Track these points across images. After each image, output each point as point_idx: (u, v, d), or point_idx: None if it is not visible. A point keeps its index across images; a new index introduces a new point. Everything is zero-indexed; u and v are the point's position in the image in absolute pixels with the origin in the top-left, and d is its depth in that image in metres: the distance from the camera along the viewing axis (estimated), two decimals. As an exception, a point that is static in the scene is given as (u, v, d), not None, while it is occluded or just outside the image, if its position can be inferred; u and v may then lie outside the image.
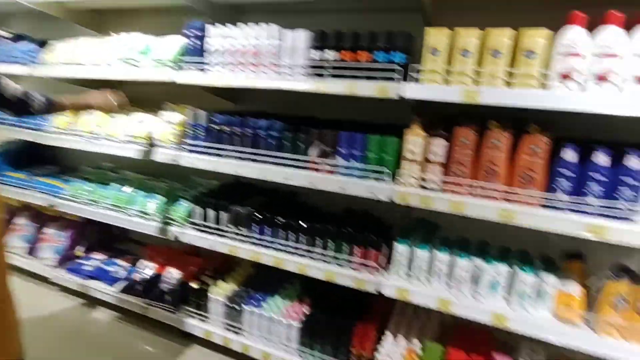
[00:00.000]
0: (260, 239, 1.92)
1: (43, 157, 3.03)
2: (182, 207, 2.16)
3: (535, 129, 1.41)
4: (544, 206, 1.41)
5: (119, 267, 2.55)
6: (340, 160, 1.68)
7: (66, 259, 2.64)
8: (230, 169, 1.86)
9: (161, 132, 2.06)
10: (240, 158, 1.87)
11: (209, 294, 2.10)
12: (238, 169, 1.85)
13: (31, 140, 2.52)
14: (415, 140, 1.55)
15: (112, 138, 2.20)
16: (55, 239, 2.69)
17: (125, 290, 2.35)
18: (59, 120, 2.39)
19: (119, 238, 2.97)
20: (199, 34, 1.85)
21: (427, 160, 1.55)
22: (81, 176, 2.61)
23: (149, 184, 2.40)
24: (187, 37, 1.88)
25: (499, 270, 1.54)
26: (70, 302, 2.52)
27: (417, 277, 1.66)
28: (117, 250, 2.78)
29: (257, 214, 1.93)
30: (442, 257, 1.61)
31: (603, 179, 1.34)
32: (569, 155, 1.38)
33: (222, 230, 2.01)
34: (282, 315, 1.93)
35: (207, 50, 1.84)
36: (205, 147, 1.94)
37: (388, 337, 1.84)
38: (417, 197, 1.54)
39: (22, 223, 2.82)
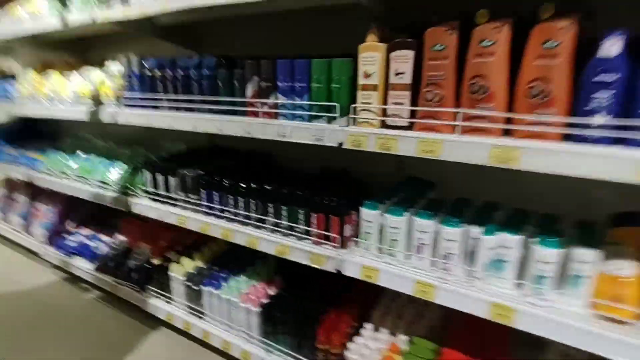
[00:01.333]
0: (209, 208, 1.58)
1: (40, 132, 2.97)
2: (138, 174, 1.89)
3: (549, 9, 0.86)
4: (569, 138, 0.88)
5: (101, 242, 2.39)
6: (280, 98, 1.26)
7: (55, 234, 2.55)
8: (164, 122, 1.53)
9: (104, 88, 1.78)
10: (175, 108, 1.52)
11: (168, 272, 1.83)
12: (173, 122, 1.50)
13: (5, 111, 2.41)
14: (371, 56, 1.07)
15: (63, 100, 1.98)
16: (45, 214, 2.61)
17: (99, 268, 2.18)
18: (24, 87, 2.23)
19: (114, 212, 2.83)
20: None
21: (388, 85, 1.07)
22: (59, 147, 2.46)
23: (115, 151, 2.16)
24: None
25: (505, 241, 1.04)
26: (53, 278, 2.43)
27: (390, 253, 1.21)
28: (106, 224, 2.63)
29: (203, 177, 1.58)
30: (423, 224, 1.14)
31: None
32: (613, 48, 0.82)
33: (172, 199, 1.71)
34: (242, 298, 1.60)
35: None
36: (139, 99, 1.62)
37: (367, 329, 1.43)
38: (373, 138, 1.07)
39: (20, 200, 2.79)
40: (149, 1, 1.42)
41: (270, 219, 1.42)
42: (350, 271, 1.24)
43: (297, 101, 1.22)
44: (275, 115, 1.28)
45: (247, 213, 1.48)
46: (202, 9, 1.33)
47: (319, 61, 1.16)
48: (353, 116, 1.12)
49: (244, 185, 1.47)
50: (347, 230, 1.31)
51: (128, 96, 1.65)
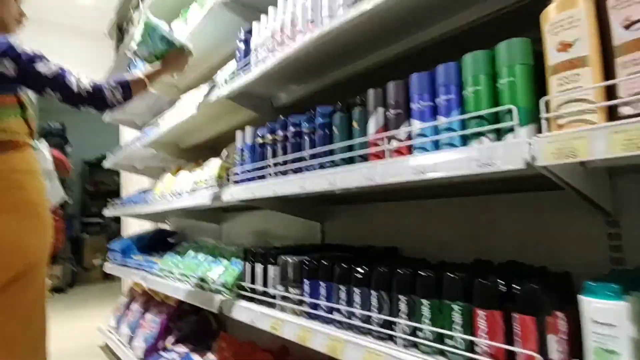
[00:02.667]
0: (313, 307, 1.11)
1: (169, 243, 3.07)
2: (237, 270, 1.58)
3: None
4: None
5: (192, 363, 2.01)
6: (416, 125, 0.87)
7: (152, 349, 2.29)
8: (268, 191, 1.25)
9: (218, 171, 1.68)
10: (282, 173, 1.26)
11: (254, 410, 1.29)
12: (277, 188, 1.21)
13: (137, 212, 2.55)
14: (569, 16, 0.65)
15: (183, 191, 1.94)
16: (150, 325, 2.43)
17: (179, 394, 1.75)
18: (157, 190, 2.35)
19: (216, 334, 2.51)
20: (246, 36, 1.54)
21: (613, 50, 0.61)
22: (177, 251, 2.41)
23: (221, 248, 1.96)
24: (237, 49, 1.59)
25: None
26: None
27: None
28: (204, 341, 2.29)
29: (307, 264, 1.17)
30: None
31: None
32: None
33: (268, 295, 1.30)
34: None
35: (252, 50, 1.48)
36: (248, 172, 1.42)
37: None
38: (605, 135, 0.56)
39: (134, 309, 2.72)
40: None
41: (403, 320, 0.88)
42: None
43: (444, 121, 0.81)
44: (409, 150, 0.88)
45: (366, 312, 0.96)
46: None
47: (475, 55, 0.78)
48: (546, 115, 0.65)
49: (361, 271, 1.00)
50: (552, 343, 0.68)
51: (237, 171, 1.48)
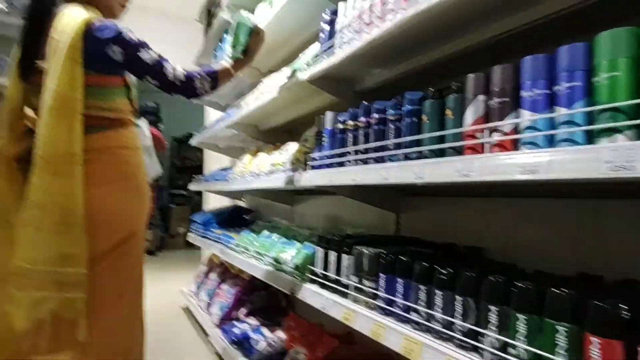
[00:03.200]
0: (388, 303, 1.07)
1: (245, 220, 3.23)
2: (310, 254, 1.59)
3: None
4: None
5: (263, 336, 2.10)
6: (526, 116, 0.76)
7: (226, 318, 2.45)
8: (347, 178, 1.21)
9: (298, 154, 1.69)
10: (362, 162, 1.21)
11: (321, 394, 1.31)
12: (357, 176, 1.17)
13: (218, 189, 2.68)
14: None
15: (261, 172, 2.00)
16: (225, 295, 2.59)
17: (250, 365, 1.84)
18: (237, 169, 2.45)
19: (285, 311, 2.59)
20: (331, 18, 1.49)
21: None
22: (253, 229, 2.51)
23: (294, 230, 1.99)
24: (321, 30, 1.55)
25: None
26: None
27: None
28: (274, 319, 2.38)
29: (385, 257, 1.12)
30: None
31: None
32: None
33: (341, 284, 1.28)
34: None
35: (337, 32, 1.43)
36: (326, 157, 1.39)
37: None
38: None
39: (212, 278, 2.93)
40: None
41: (493, 333, 0.79)
42: None
43: (564, 112, 0.69)
44: (514, 145, 0.78)
45: (449, 318, 0.89)
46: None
47: (615, 34, 0.64)
48: None
49: (445, 272, 0.93)
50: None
51: (314, 156, 1.47)
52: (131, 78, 1.42)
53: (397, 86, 1.56)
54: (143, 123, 1.69)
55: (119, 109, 1.35)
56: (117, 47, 1.26)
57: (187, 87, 1.39)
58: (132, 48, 1.28)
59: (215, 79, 1.46)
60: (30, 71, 1.31)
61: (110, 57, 1.26)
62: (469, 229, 1.37)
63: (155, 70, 1.32)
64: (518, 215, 1.21)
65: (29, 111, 1.35)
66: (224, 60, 1.56)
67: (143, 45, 1.31)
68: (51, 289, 1.20)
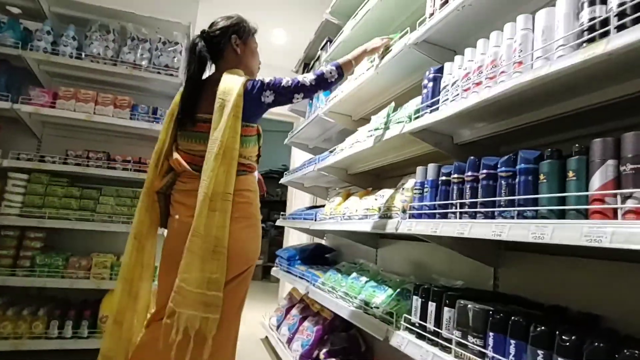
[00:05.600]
0: (497, 362, 1.04)
1: (327, 259, 3.31)
2: (405, 301, 1.60)
3: None
4: None
5: (345, 380, 2.10)
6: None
7: (308, 356, 2.48)
8: (453, 230, 1.23)
9: (393, 202, 1.75)
10: (468, 216, 1.22)
11: None
12: (463, 230, 1.19)
13: (306, 227, 2.82)
14: None
15: (353, 215, 2.08)
16: (306, 332, 2.65)
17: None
18: (327, 210, 2.57)
19: (364, 356, 2.56)
20: (435, 75, 1.58)
21: None
22: (339, 269, 2.58)
23: (384, 275, 2.01)
24: (424, 86, 1.64)
25: None
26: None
27: None
28: (354, 363, 2.37)
29: (495, 314, 1.10)
30: None
31: None
32: None
33: (442, 338, 1.27)
34: None
35: (442, 89, 1.51)
36: (426, 206, 1.43)
37: None
38: None
39: (293, 314, 3.01)
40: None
41: (629, 414, 0.74)
42: None
43: None
44: (649, 213, 0.76)
45: (571, 388, 0.85)
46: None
47: None
48: None
49: (568, 338, 0.89)
50: None
51: (414, 206, 1.51)
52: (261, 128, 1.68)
53: (501, 140, 1.58)
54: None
55: (251, 157, 1.60)
56: (268, 91, 1.56)
57: (321, 81, 1.65)
58: (276, 84, 1.58)
59: (340, 68, 1.69)
60: (192, 122, 1.60)
61: (262, 101, 1.55)
62: (579, 292, 1.28)
63: (297, 87, 1.60)
64: (637, 281, 1.11)
65: (175, 154, 1.62)
66: (345, 56, 1.79)
67: (280, 78, 1.60)
68: (199, 309, 1.38)
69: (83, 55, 2.88)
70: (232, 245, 1.44)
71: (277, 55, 4.77)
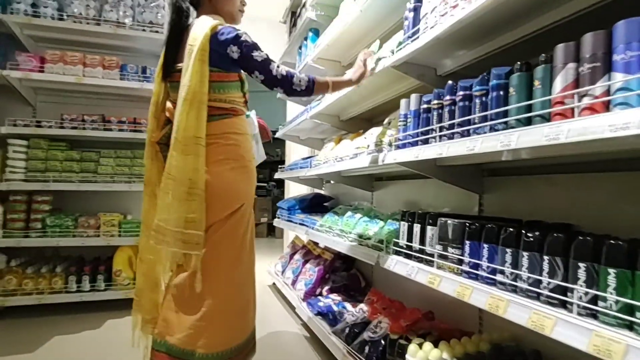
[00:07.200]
0: (474, 267, 1.14)
1: (325, 207, 3.42)
2: (394, 229, 1.70)
3: None
4: None
5: (345, 310, 2.27)
6: (618, 78, 0.79)
7: (310, 293, 2.65)
8: (433, 152, 1.30)
9: (380, 137, 1.80)
10: (447, 138, 1.28)
11: (406, 356, 1.42)
12: (441, 150, 1.25)
13: (303, 175, 2.90)
14: None
15: (345, 156, 2.15)
16: (309, 272, 2.80)
17: (334, 331, 2.01)
18: (320, 156, 2.63)
19: (364, 291, 2.73)
20: (416, 5, 1.56)
21: None
22: (336, 212, 2.68)
23: (376, 211, 2.11)
24: (405, 18, 1.64)
25: None
26: (297, 334, 2.43)
27: None
28: (354, 298, 2.53)
29: (470, 225, 1.19)
30: None
31: None
32: None
33: (425, 254, 1.37)
34: None
35: (422, 18, 1.51)
36: (410, 136, 1.49)
37: None
38: None
39: (296, 259, 3.17)
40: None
41: (582, 288, 0.84)
42: None
43: (658, 72, 0.72)
44: (605, 109, 0.81)
45: (536, 277, 0.94)
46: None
47: None
48: None
49: (532, 234, 0.98)
50: None
51: (399, 137, 1.57)
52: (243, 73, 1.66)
53: (481, 67, 1.60)
54: (252, 114, 1.94)
55: (234, 101, 1.60)
56: (236, 47, 1.49)
57: (286, 82, 1.53)
58: (247, 48, 1.50)
59: (312, 83, 1.56)
60: (170, 72, 1.61)
61: (229, 55, 1.50)
62: (557, 207, 1.36)
63: (263, 67, 1.51)
64: (610, 190, 1.19)
65: (168, 104, 1.66)
66: (330, 77, 1.66)
67: (255, 47, 1.53)
68: (178, 246, 1.48)
69: (65, 16, 2.84)
70: (214, 187, 1.51)
71: (263, 5, 4.64)
